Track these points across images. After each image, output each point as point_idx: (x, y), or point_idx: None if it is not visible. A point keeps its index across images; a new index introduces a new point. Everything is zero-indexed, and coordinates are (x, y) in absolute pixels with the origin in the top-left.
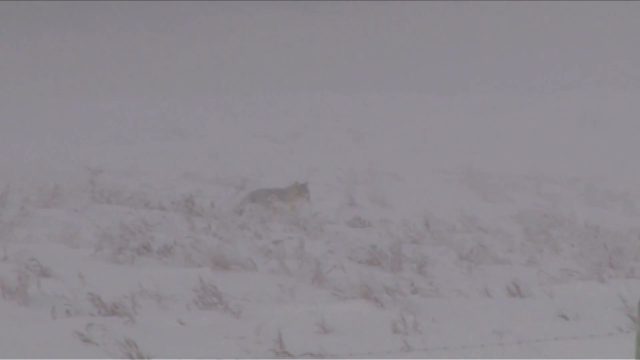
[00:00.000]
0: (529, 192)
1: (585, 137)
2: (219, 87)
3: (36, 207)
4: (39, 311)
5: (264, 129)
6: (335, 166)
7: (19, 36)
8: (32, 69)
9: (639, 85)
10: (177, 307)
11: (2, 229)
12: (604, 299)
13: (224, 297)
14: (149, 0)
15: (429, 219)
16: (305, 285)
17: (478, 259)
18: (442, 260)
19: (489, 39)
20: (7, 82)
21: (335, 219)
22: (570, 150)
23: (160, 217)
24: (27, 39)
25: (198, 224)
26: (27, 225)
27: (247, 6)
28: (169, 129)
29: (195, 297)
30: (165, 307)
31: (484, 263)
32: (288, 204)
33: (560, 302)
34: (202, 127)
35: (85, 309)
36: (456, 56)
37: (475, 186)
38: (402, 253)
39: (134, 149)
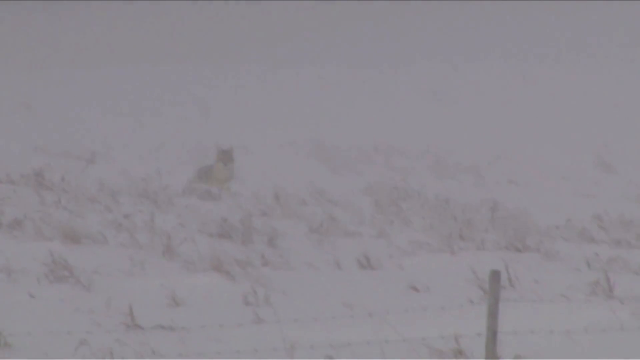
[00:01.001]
0: (379, 165)
1: (433, 109)
2: (65, 60)
3: None
4: None
5: (110, 101)
6: (184, 139)
7: None
8: None
9: (486, 57)
10: (27, 281)
11: None
12: (454, 271)
13: (74, 270)
14: None
15: (279, 192)
16: (156, 259)
17: (328, 231)
18: (292, 233)
19: (336, 12)
20: None
21: (185, 192)
22: (419, 123)
23: (10, 191)
24: None
25: (48, 197)
26: None
27: None
28: (15, 101)
29: (46, 270)
30: (15, 280)
31: (334, 236)
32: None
33: (410, 274)
34: (50, 101)
35: None
36: (303, 28)
37: (324, 159)
38: (253, 226)
39: None
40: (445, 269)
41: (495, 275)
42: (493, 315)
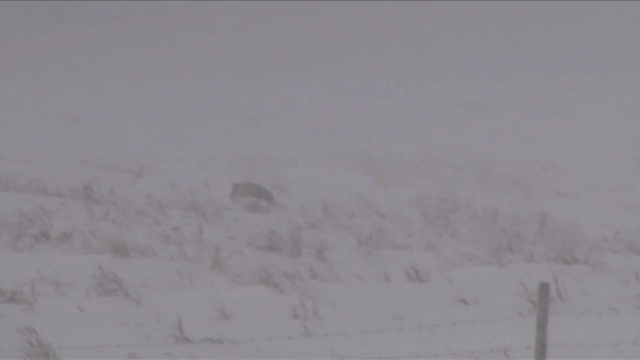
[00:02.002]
0: (427, 177)
1: (482, 122)
2: (114, 74)
3: None
4: None
5: (158, 115)
6: (232, 152)
7: None
8: None
9: (534, 70)
10: (76, 294)
11: None
12: (503, 284)
13: (123, 283)
14: None
15: (327, 204)
16: (205, 272)
17: (377, 244)
18: (341, 246)
19: (383, 26)
20: None
21: (234, 205)
22: (468, 135)
23: (59, 204)
24: None
25: (97, 210)
26: None
27: None
28: (63, 115)
29: (95, 283)
30: (64, 294)
31: (382, 248)
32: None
33: (459, 286)
34: (98, 115)
35: None
36: (350, 42)
37: (372, 171)
38: (301, 239)
39: (28, 135)
40: (494, 281)
41: (544, 288)
42: (542, 327)
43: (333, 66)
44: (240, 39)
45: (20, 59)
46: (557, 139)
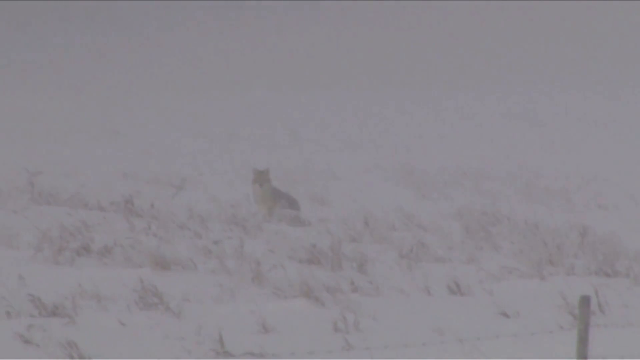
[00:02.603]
0: (468, 189)
1: (522, 133)
2: (154, 87)
3: None
4: None
5: (200, 128)
6: (273, 164)
7: None
8: None
9: (575, 81)
10: (117, 308)
11: None
12: (544, 297)
13: (164, 297)
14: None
15: (368, 217)
16: (246, 285)
17: (418, 257)
18: (382, 259)
19: (425, 36)
20: None
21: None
22: (508, 147)
23: (100, 218)
24: None
25: (138, 224)
26: None
27: (178, 5)
28: (105, 128)
29: (136, 297)
30: (105, 307)
31: (424, 261)
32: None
33: (500, 299)
34: (139, 128)
35: (25, 310)
36: (391, 53)
37: (413, 184)
38: (342, 252)
39: (70, 149)
40: (535, 294)
41: (585, 301)
42: (583, 341)
43: (374, 79)
44: (282, 52)
45: (62, 72)
46: (600, 151)
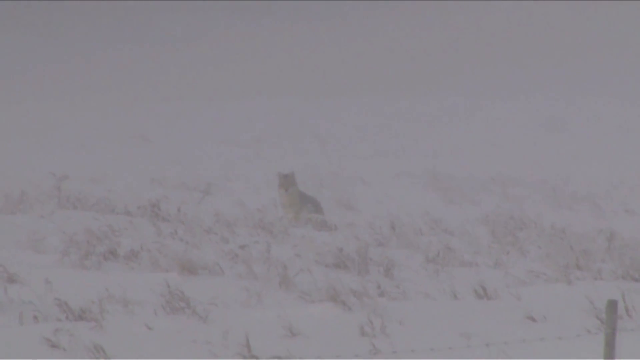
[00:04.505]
0: (495, 194)
1: (549, 139)
2: (181, 93)
3: (2, 214)
4: (7, 317)
5: (228, 134)
6: (300, 170)
7: None
8: None
9: (601, 86)
10: (144, 312)
11: None
12: (571, 301)
13: (191, 301)
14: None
15: (395, 222)
16: (272, 290)
17: (445, 261)
18: (408, 263)
19: (452, 42)
20: None
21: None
22: (536, 153)
23: (127, 223)
24: None
25: (164, 229)
26: None
27: (205, 11)
28: (132, 134)
29: (163, 302)
30: (132, 312)
31: (450, 265)
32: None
33: (527, 304)
34: (166, 133)
35: (52, 314)
36: (417, 60)
37: (440, 189)
38: (369, 256)
39: (98, 154)
40: (562, 298)
41: (612, 305)
42: (610, 345)
43: (402, 85)
44: (311, 58)
45: (90, 78)
46: (627, 157)
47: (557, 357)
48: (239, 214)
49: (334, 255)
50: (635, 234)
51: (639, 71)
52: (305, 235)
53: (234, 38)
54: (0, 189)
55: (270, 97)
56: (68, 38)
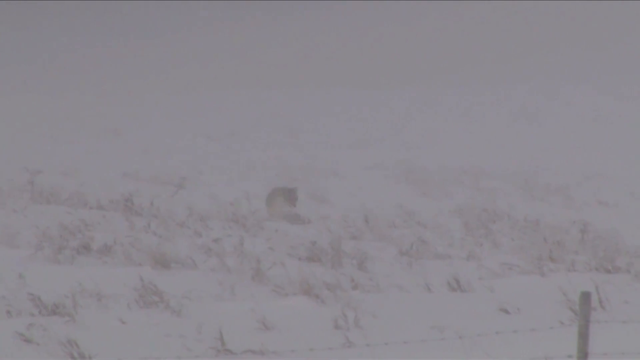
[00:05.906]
0: (468, 187)
1: (522, 131)
2: (153, 85)
3: None
4: None
5: (200, 127)
6: (273, 163)
7: None
8: None
9: (575, 79)
10: (117, 306)
11: None
12: (545, 293)
13: (164, 295)
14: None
15: (368, 215)
16: (246, 283)
17: (418, 254)
18: (382, 256)
19: (426, 34)
20: None
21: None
22: (508, 145)
23: (100, 217)
24: None
25: (137, 223)
26: None
27: (178, 5)
28: (105, 127)
29: (136, 296)
30: (105, 306)
31: (424, 258)
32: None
33: (501, 296)
34: (138, 126)
35: (25, 309)
36: (390, 51)
37: (413, 182)
38: (342, 249)
39: (70, 148)
40: (536, 290)
41: (585, 297)
42: (583, 336)
43: (375, 77)
44: (284, 50)
45: (62, 71)
46: (600, 148)
47: (530, 348)
48: (212, 208)
49: (307, 248)
50: (608, 225)
51: (612, 62)
52: (279, 229)
53: (207, 30)
54: None
55: (244, 90)
56: (39, 33)
